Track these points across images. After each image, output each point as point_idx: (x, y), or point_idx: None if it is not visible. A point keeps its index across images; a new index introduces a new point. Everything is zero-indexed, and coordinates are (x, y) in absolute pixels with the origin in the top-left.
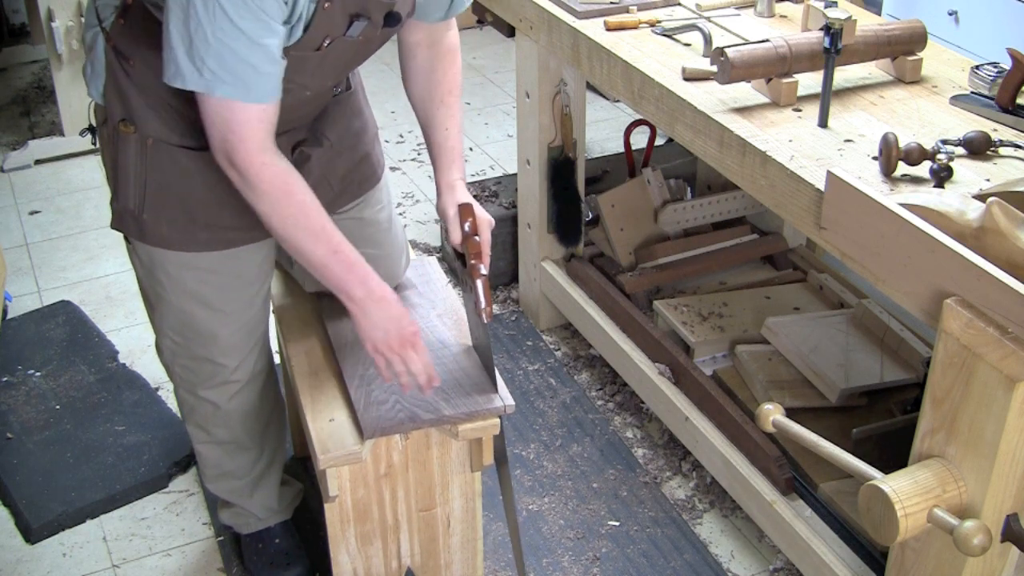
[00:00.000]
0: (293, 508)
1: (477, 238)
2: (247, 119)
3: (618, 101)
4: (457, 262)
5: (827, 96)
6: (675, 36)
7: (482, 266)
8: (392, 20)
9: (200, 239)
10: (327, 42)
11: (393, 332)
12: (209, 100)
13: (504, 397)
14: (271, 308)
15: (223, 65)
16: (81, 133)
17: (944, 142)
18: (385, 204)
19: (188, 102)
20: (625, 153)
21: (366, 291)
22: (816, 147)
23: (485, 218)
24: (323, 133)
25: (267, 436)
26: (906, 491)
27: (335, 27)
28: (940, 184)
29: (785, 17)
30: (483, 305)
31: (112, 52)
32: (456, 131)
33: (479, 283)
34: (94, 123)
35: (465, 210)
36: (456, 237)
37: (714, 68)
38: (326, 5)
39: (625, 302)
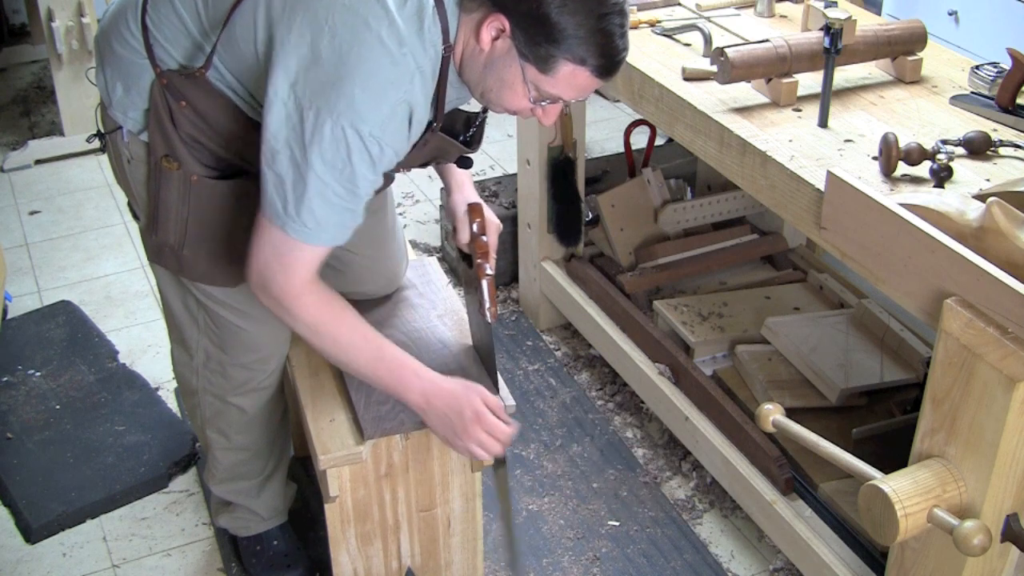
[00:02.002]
0: (288, 509)
1: (484, 238)
2: (306, 260)
3: (618, 101)
4: (462, 262)
5: (827, 96)
6: (675, 36)
7: (488, 266)
8: (465, 164)
9: (238, 273)
10: (399, 171)
11: (456, 419)
12: (275, 233)
13: (504, 397)
14: None
15: (332, 218)
16: (88, 139)
17: (944, 142)
18: (390, 207)
19: (224, 150)
20: (625, 153)
21: (419, 387)
22: (816, 147)
23: (494, 221)
24: None
25: (278, 438)
26: (906, 491)
27: (414, 162)
28: (940, 184)
29: (785, 17)
30: (488, 305)
31: (162, 89)
32: None
33: (484, 283)
34: (101, 128)
35: (475, 210)
36: (464, 237)
37: (714, 68)
38: (421, 147)
39: (625, 302)
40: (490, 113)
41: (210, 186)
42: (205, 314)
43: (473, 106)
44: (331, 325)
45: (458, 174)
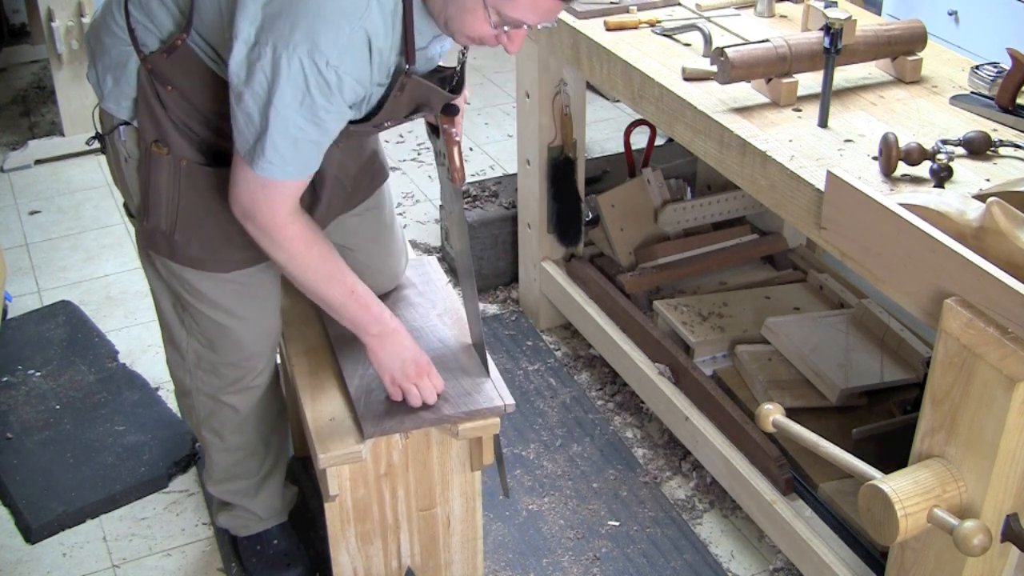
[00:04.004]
0: (288, 511)
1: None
2: (285, 194)
3: (618, 101)
4: (432, 135)
5: (827, 96)
6: (675, 36)
7: (455, 131)
8: (451, 111)
9: (229, 260)
10: (387, 124)
11: (409, 362)
12: (250, 172)
13: (504, 396)
14: None
15: (293, 152)
16: (88, 142)
17: (944, 142)
18: (388, 203)
19: (213, 135)
20: (625, 153)
21: (381, 327)
22: (816, 147)
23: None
24: None
25: (273, 438)
26: (906, 491)
27: (399, 112)
28: (940, 184)
29: (785, 17)
30: (457, 169)
31: (147, 75)
32: None
33: (453, 149)
34: (100, 130)
35: None
36: None
37: (714, 68)
38: (397, 94)
39: (625, 302)
40: (490, 114)
41: (201, 172)
42: (190, 316)
43: (451, 61)
44: (309, 257)
45: None
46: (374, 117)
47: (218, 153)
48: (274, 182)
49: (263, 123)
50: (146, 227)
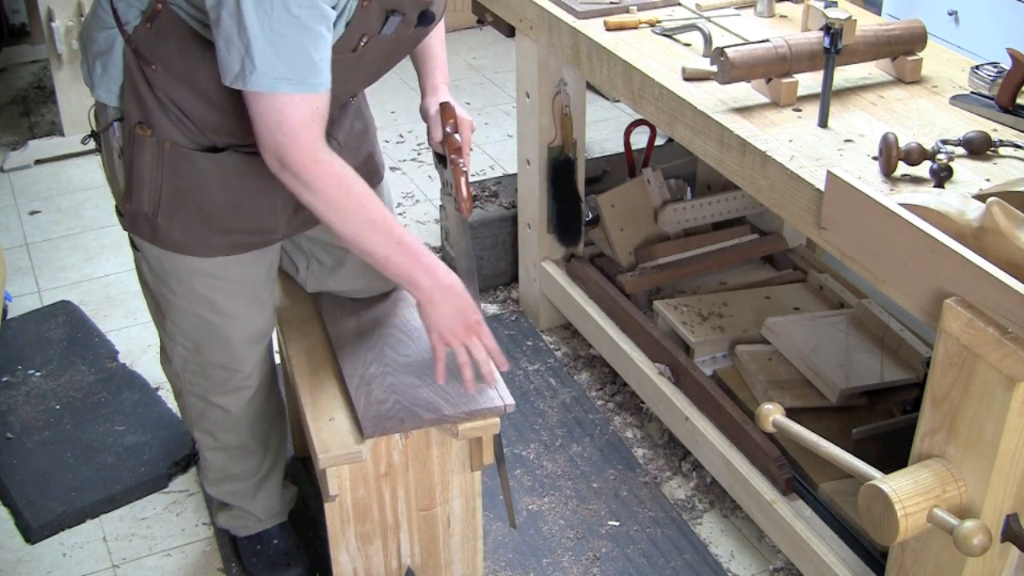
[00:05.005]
0: (288, 511)
1: (457, 136)
2: (300, 116)
3: (618, 101)
4: (439, 164)
5: (827, 96)
6: (675, 36)
7: (462, 163)
8: (426, 19)
9: (213, 244)
10: (364, 41)
11: (459, 320)
12: (260, 99)
13: (504, 396)
14: None
15: (279, 56)
16: (83, 140)
17: (944, 142)
18: (387, 203)
19: (208, 109)
20: (625, 153)
21: (433, 280)
22: (816, 147)
23: (466, 119)
24: (330, 134)
25: (271, 439)
26: (906, 491)
27: (371, 24)
28: (940, 184)
29: (785, 17)
30: (464, 199)
31: (132, 56)
32: (439, 42)
33: (461, 180)
34: (95, 127)
35: (447, 110)
36: (437, 135)
37: (714, 68)
38: (365, 4)
39: (625, 302)
40: (490, 114)
41: (184, 155)
42: (175, 313)
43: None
44: (348, 203)
45: (433, 80)
46: (348, 35)
47: (202, 134)
48: (280, 100)
49: (243, 36)
50: (129, 210)
